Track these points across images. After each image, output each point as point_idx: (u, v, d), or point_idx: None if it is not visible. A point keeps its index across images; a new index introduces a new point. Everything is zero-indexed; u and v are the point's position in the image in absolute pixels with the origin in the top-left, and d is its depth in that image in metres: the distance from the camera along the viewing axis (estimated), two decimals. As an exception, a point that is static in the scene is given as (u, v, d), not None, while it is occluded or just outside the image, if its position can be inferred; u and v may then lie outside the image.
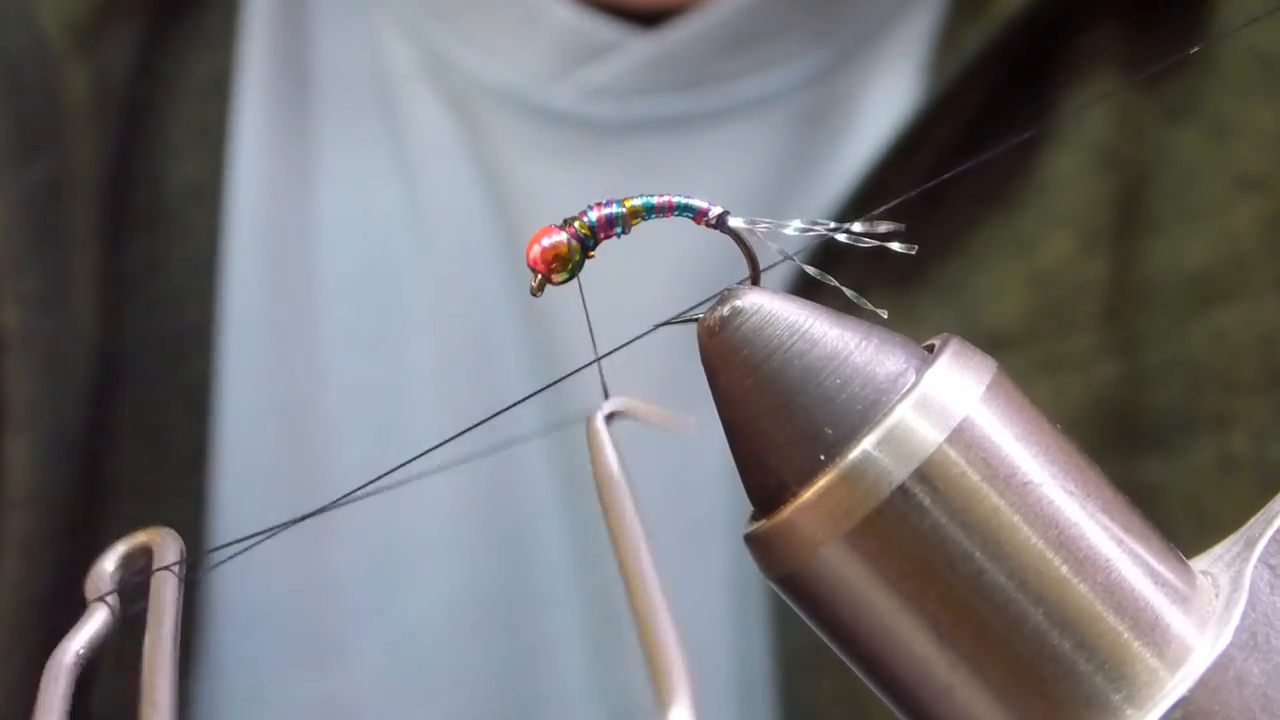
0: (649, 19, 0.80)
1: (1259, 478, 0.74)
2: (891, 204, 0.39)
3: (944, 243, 0.77)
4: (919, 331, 0.37)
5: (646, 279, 0.78)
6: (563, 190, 0.79)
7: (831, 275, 0.40)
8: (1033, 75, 0.78)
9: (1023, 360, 0.76)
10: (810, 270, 0.40)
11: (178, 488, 0.77)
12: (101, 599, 0.37)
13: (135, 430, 0.77)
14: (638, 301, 0.79)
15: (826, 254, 0.52)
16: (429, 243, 0.80)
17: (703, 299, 0.37)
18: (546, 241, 0.39)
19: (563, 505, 0.78)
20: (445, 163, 0.80)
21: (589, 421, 0.34)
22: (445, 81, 0.82)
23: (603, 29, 0.80)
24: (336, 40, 0.82)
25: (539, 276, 0.39)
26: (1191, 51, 0.77)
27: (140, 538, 0.38)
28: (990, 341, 0.75)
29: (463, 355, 0.79)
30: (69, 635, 0.36)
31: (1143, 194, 0.78)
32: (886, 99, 0.81)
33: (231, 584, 0.78)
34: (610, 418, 0.34)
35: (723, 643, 0.77)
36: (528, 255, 0.39)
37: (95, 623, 0.36)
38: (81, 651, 0.35)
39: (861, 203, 0.75)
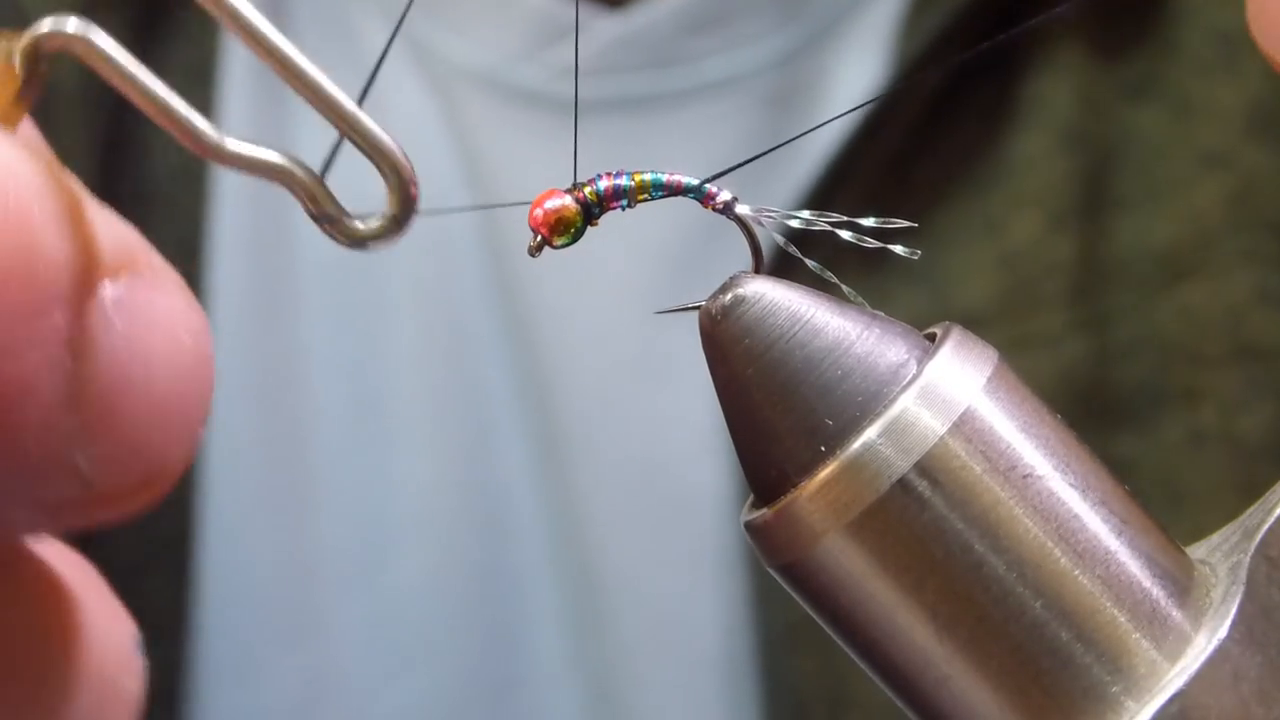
0: (616, 1, 0.80)
1: (1229, 451, 0.75)
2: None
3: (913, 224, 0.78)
4: (890, 313, 0.36)
5: (620, 255, 0.78)
6: (536, 168, 0.79)
7: (800, 254, 0.39)
8: (996, 53, 0.79)
9: (993, 339, 0.76)
10: (811, 264, 0.39)
11: None
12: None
13: None
14: (610, 277, 0.79)
15: (795, 232, 0.51)
16: None
17: (675, 279, 0.37)
18: (550, 204, 0.38)
19: (540, 482, 0.79)
20: (423, 142, 0.81)
21: None
22: (422, 63, 0.82)
23: (572, 10, 0.80)
24: (316, 24, 0.83)
25: (539, 237, 0.38)
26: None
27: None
28: (961, 321, 0.76)
29: (440, 332, 0.80)
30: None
31: (1108, 173, 0.78)
32: (853, 79, 0.81)
33: (217, 559, 0.78)
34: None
35: (706, 621, 0.78)
36: (530, 216, 0.38)
37: None
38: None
39: (830, 182, 0.76)
